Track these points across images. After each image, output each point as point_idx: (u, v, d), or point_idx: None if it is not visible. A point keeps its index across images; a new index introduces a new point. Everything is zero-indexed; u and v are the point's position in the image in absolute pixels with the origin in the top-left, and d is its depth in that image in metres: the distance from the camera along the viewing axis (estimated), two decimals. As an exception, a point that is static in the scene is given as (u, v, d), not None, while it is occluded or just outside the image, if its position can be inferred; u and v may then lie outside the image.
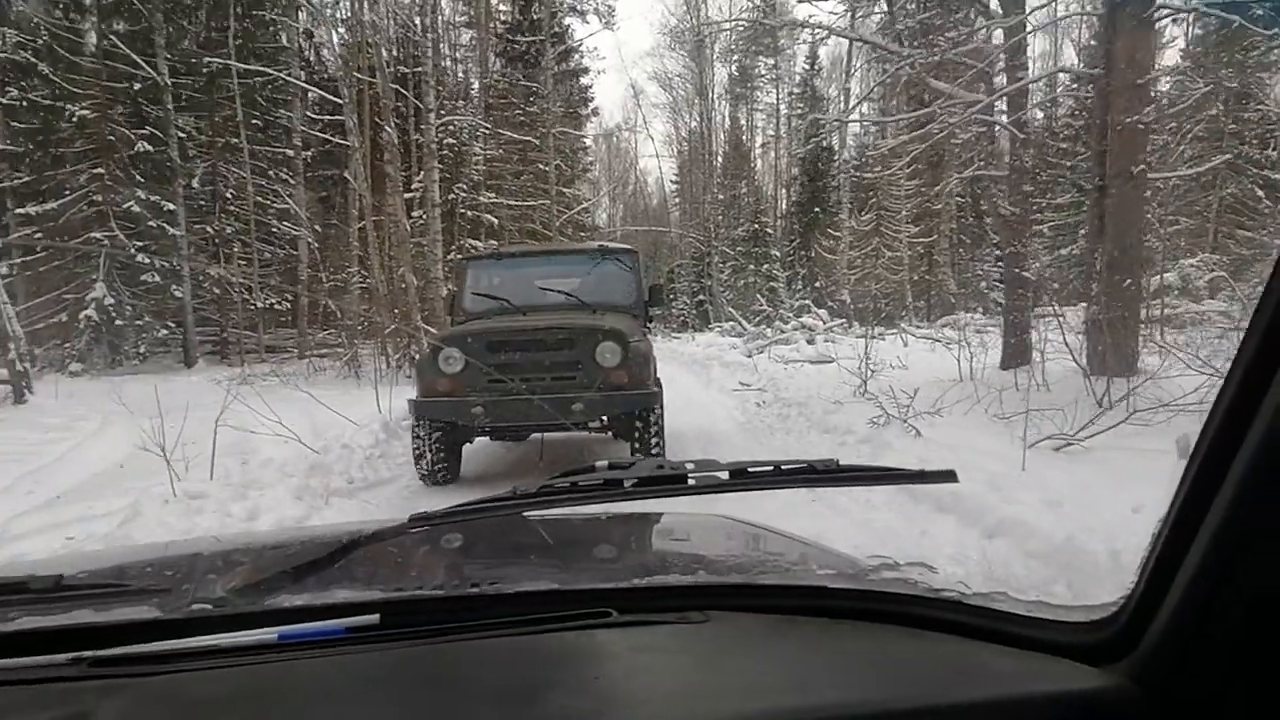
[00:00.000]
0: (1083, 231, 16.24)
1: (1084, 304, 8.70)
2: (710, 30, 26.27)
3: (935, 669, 0.71)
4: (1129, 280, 7.20)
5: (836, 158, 29.90)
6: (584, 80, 27.65)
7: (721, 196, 33.48)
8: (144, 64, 17.20)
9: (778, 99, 36.22)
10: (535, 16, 23.03)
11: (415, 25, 18.14)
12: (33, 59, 16.81)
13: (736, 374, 11.42)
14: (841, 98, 31.05)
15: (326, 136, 17.65)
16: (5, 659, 0.72)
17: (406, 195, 14.91)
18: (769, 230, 31.23)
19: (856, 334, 14.37)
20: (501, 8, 24.81)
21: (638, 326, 5.61)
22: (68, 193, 16.59)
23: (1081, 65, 17.13)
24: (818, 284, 27.68)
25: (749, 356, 14.04)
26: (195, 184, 18.29)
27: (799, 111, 33.80)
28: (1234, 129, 18.49)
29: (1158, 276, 13.42)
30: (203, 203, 18.67)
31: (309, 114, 19.45)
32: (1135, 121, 7.22)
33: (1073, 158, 19.47)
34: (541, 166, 21.30)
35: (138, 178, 17.01)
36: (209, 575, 1.03)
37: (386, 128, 13.60)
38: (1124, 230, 7.56)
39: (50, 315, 16.11)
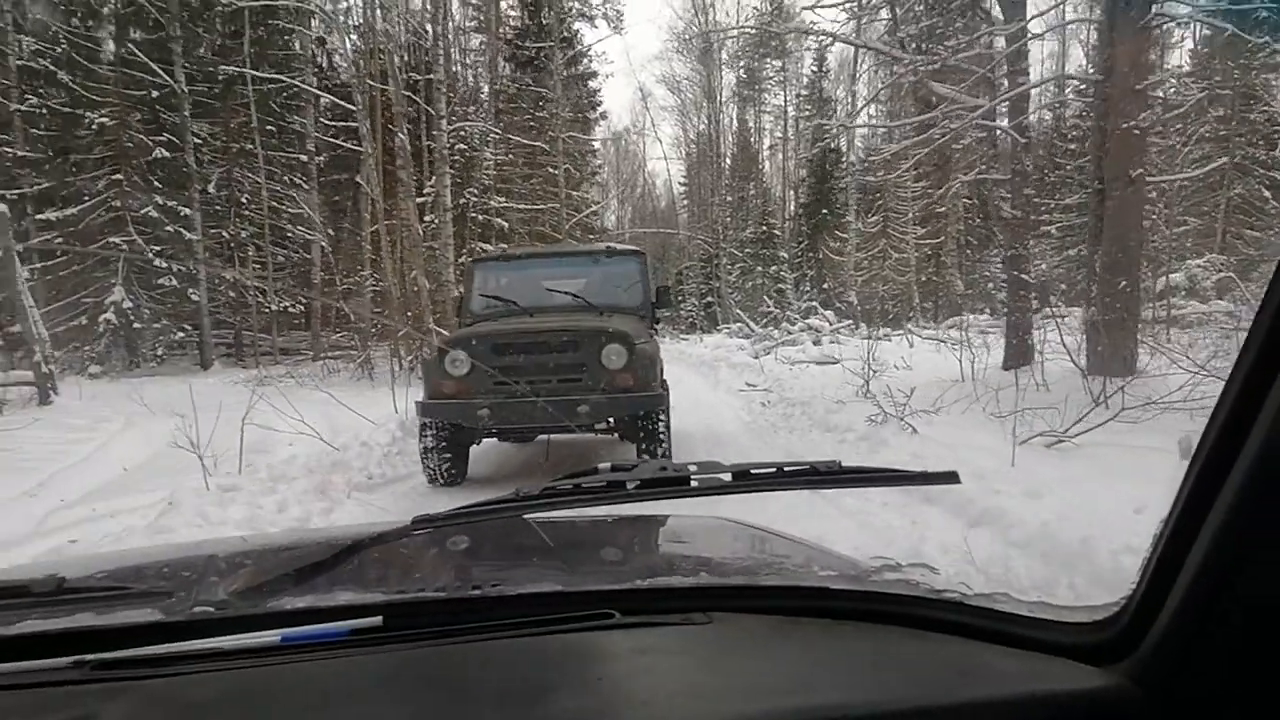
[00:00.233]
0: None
1: (1086, 305, 8.82)
2: (718, 36, 26.46)
3: (938, 669, 0.72)
4: (1124, 282, 7.32)
5: (844, 160, 30.02)
6: (592, 84, 27.88)
7: (729, 198, 33.65)
8: (161, 72, 17.53)
9: (785, 101, 36.42)
10: (544, 22, 23.30)
11: (426, 32, 18.38)
12: (52, 67, 17.18)
13: (743, 375, 11.59)
14: (849, 99, 31.19)
15: (339, 142, 17.93)
16: (8, 662, 0.72)
17: (419, 199, 15.14)
18: (777, 232, 31.39)
19: (863, 335, 14.53)
20: (511, 13, 25.08)
21: (644, 328, 5.60)
22: (87, 198, 16.92)
23: (1090, 67, 17.23)
24: (825, 286, 27.81)
25: (756, 358, 14.21)
26: (211, 189, 18.60)
27: (806, 114, 33.94)
28: (1240, 130, 18.54)
29: (1164, 277, 13.52)
30: (218, 207, 18.97)
31: (322, 120, 19.75)
32: (1133, 126, 7.35)
33: (1080, 159, 19.53)
34: (551, 170, 21.53)
35: (155, 183, 17.35)
36: (211, 578, 1.03)
37: (399, 133, 13.85)
38: (1123, 233, 7.69)
39: (70, 319, 16.44)
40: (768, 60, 34.27)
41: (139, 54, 17.63)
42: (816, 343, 15.23)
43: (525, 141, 20.33)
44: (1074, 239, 20.25)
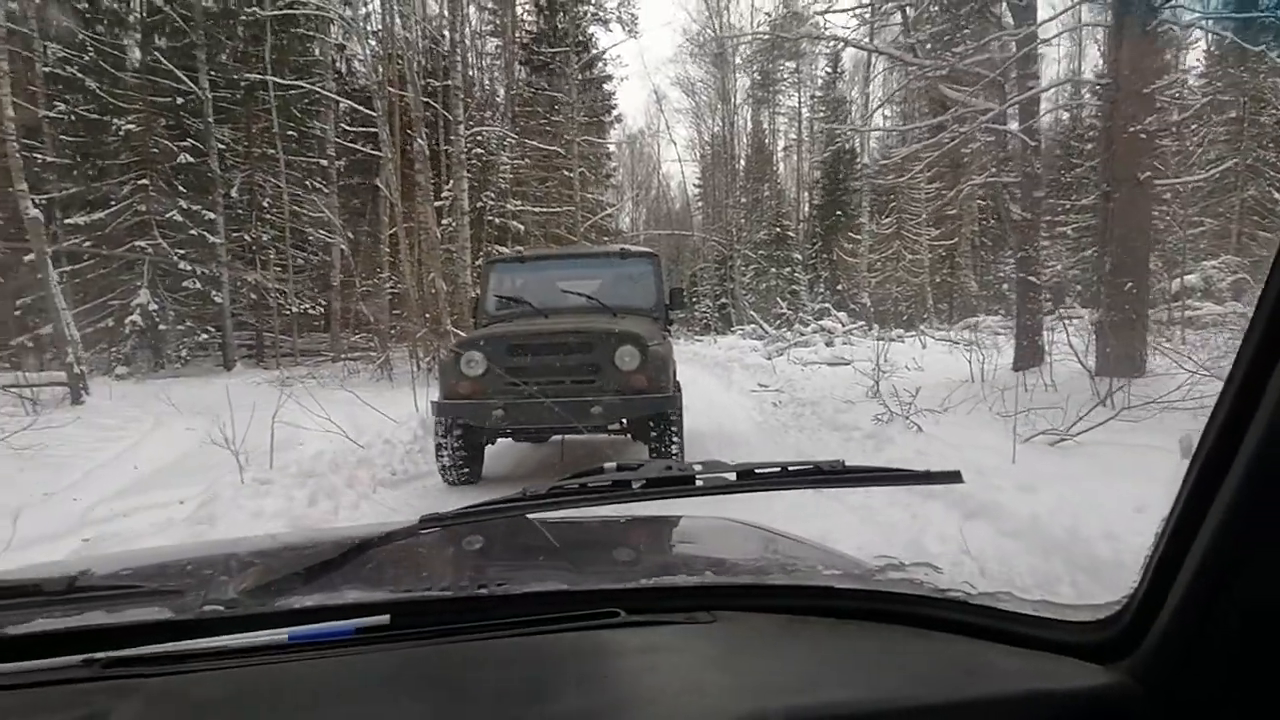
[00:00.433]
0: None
1: (1095, 306, 8.91)
2: (732, 42, 26.61)
3: (942, 668, 0.72)
4: (1130, 284, 7.41)
5: (858, 161, 30.05)
6: (607, 87, 28.10)
7: (744, 200, 33.72)
8: (185, 78, 17.92)
9: (799, 102, 36.43)
10: (559, 26, 23.55)
11: (444, 38, 18.67)
12: (79, 74, 17.61)
13: (756, 376, 11.75)
14: (863, 101, 31.19)
15: (359, 147, 18.25)
16: (20, 661, 0.73)
17: (436, 203, 15.39)
18: (791, 233, 31.46)
19: (876, 336, 14.63)
20: (526, 18, 25.36)
21: (657, 329, 5.63)
22: (113, 203, 17.32)
23: (1105, 66, 17.20)
24: (839, 287, 27.86)
25: (768, 359, 14.35)
26: (233, 193, 18.99)
27: (821, 115, 33.98)
28: (1251, 132, 18.47)
29: (1178, 279, 13.51)
30: (240, 211, 19.36)
31: (342, 125, 20.10)
32: (1139, 130, 7.44)
33: (1094, 160, 19.51)
34: (566, 173, 21.78)
35: (179, 188, 17.73)
36: (220, 577, 1.04)
37: (418, 138, 14.12)
38: (1130, 235, 7.79)
39: (97, 321, 16.83)
40: (782, 62, 34.33)
41: (164, 61, 18.04)
42: (829, 344, 15.35)
43: (541, 145, 20.59)
44: (1090, 240, 20.20)
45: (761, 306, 25.07)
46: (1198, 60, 20.48)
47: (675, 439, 5.01)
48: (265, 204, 19.45)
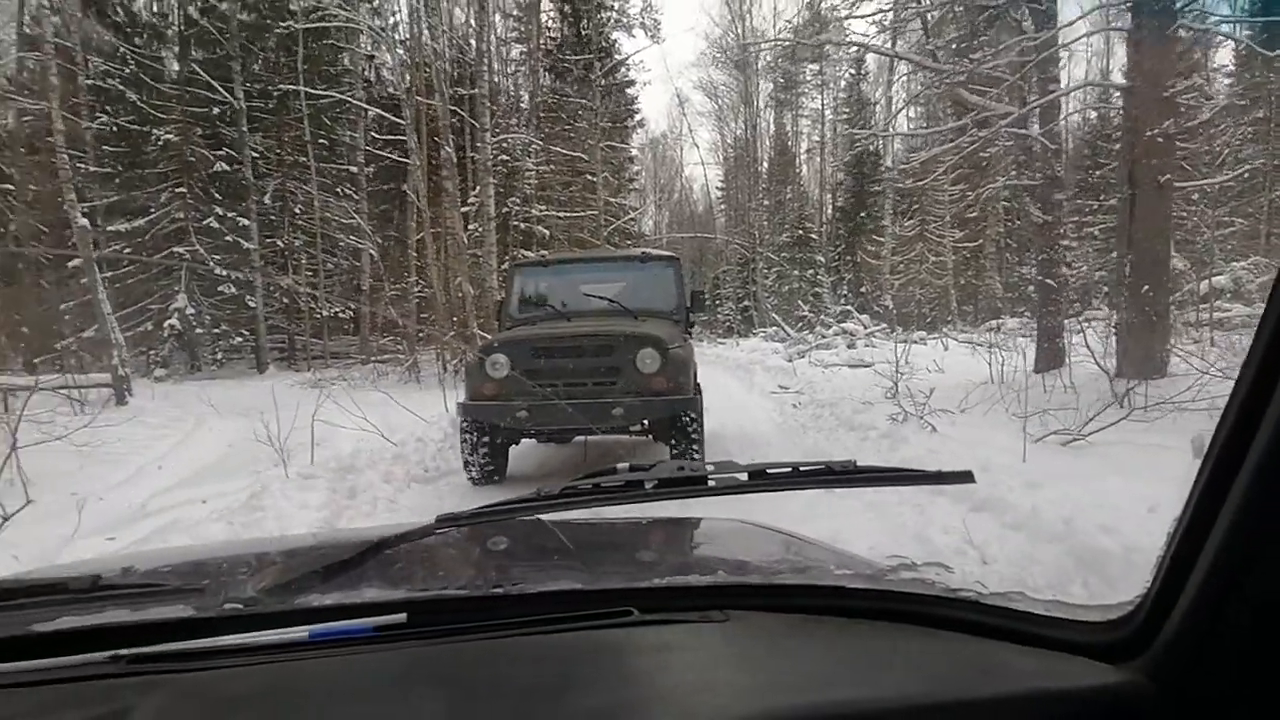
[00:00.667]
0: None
1: (1116, 308, 8.93)
2: (755, 48, 26.76)
3: (954, 667, 0.72)
4: (1146, 286, 7.46)
5: (881, 163, 29.99)
6: (630, 92, 28.37)
7: (767, 202, 33.81)
8: (221, 89, 18.48)
9: (823, 104, 36.43)
10: (583, 33, 23.86)
11: (470, 47, 19.05)
12: (120, 86, 18.25)
13: (777, 378, 11.88)
14: (886, 102, 31.15)
15: (387, 154, 18.67)
16: (47, 658, 0.74)
17: (463, 209, 15.73)
18: (813, 236, 31.47)
19: (898, 338, 14.69)
20: (550, 25, 25.72)
21: (678, 332, 5.67)
22: (152, 210, 17.94)
23: (1126, 69, 17.09)
24: (862, 289, 27.84)
25: (790, 361, 14.47)
26: (266, 200, 19.54)
27: (844, 116, 33.97)
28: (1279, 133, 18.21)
29: (1206, 280, 13.41)
30: (273, 218, 19.93)
31: (371, 133, 20.57)
32: (1158, 133, 7.49)
33: (1119, 160, 19.33)
34: (590, 178, 22.08)
35: (215, 195, 18.32)
36: (241, 575, 1.05)
37: (445, 146, 14.45)
38: (1149, 237, 7.82)
39: (136, 325, 17.42)
40: (805, 64, 34.36)
41: (200, 72, 18.66)
42: (851, 346, 15.44)
43: (565, 151, 20.91)
44: (1118, 240, 20.01)
45: (784, 309, 25.15)
46: (1228, 60, 20.25)
47: (695, 440, 5.06)
48: (297, 210, 19.99)
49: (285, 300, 20.05)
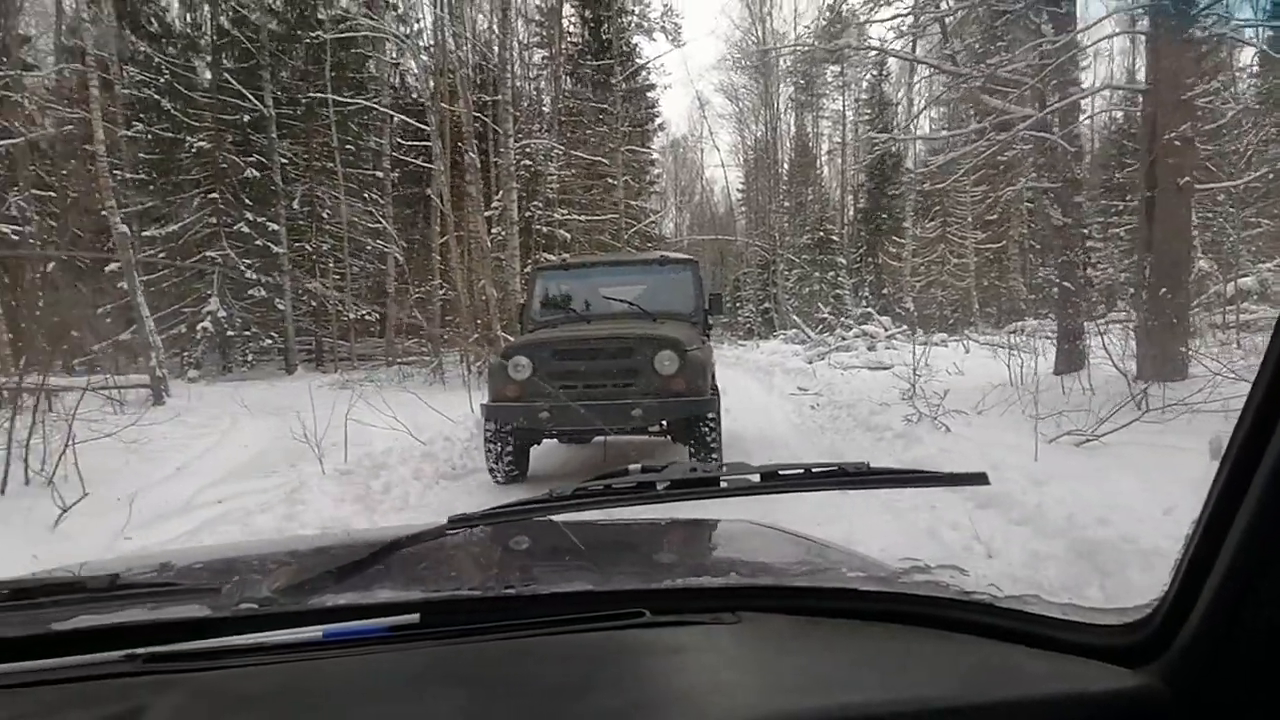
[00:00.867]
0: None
1: (1136, 311, 8.94)
2: (775, 52, 26.84)
3: (967, 669, 0.72)
4: (1165, 289, 7.49)
5: (902, 165, 29.90)
6: (651, 95, 28.54)
7: (787, 204, 33.81)
8: (252, 97, 18.94)
9: (844, 106, 36.36)
10: (605, 38, 24.09)
11: (493, 54, 19.34)
12: (155, 95, 18.75)
13: (796, 380, 12.00)
14: (907, 104, 31.05)
15: (412, 159, 19.03)
16: (63, 656, 0.74)
17: (486, 213, 15.98)
18: (834, 237, 31.41)
19: (919, 341, 14.70)
20: (571, 29, 25.98)
21: (696, 334, 5.77)
22: (185, 216, 18.43)
23: (1145, 71, 16.98)
24: (884, 291, 27.78)
25: (809, 363, 14.56)
26: (295, 205, 19.97)
27: (866, 118, 33.89)
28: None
29: (1232, 282, 13.30)
30: (301, 222, 20.35)
31: (396, 138, 20.94)
32: (1175, 136, 7.52)
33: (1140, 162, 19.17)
34: (610, 181, 22.31)
35: (246, 201, 18.74)
36: (256, 576, 1.05)
37: (469, 151, 14.72)
38: (1169, 239, 7.84)
39: (170, 327, 17.87)
40: (826, 66, 34.32)
41: (232, 81, 19.14)
42: (871, 348, 15.47)
43: (586, 156, 21.16)
44: (1136, 244, 19.84)
45: (804, 311, 25.18)
46: (1253, 60, 20.01)
47: (714, 440, 5.14)
48: (324, 215, 20.43)
49: (313, 303, 20.48)
